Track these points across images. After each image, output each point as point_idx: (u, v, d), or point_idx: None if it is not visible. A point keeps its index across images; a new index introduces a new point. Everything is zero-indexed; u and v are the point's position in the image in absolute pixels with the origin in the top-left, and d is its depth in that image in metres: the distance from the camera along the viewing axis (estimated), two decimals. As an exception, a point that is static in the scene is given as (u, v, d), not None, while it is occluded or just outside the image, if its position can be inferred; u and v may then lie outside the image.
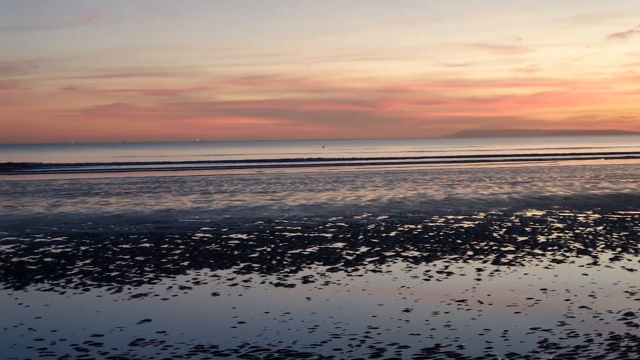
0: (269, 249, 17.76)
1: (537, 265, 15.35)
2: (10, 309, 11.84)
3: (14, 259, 16.71)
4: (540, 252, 16.92)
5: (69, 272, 15.02)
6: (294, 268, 15.23)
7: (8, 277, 14.61)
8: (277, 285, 13.57)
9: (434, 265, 15.46)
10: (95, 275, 14.69)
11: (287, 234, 20.59)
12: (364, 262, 15.83)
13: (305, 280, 13.97)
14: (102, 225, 23.37)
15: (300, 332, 10.22)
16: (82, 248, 18.27)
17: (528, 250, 17.20)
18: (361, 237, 19.77)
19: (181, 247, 18.30)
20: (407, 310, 11.41)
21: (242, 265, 15.67)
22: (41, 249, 18.17)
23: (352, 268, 15.19)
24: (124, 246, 18.52)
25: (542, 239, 18.96)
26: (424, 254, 16.77)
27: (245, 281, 13.94)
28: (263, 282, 13.81)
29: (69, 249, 18.11)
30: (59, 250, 17.92)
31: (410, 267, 15.27)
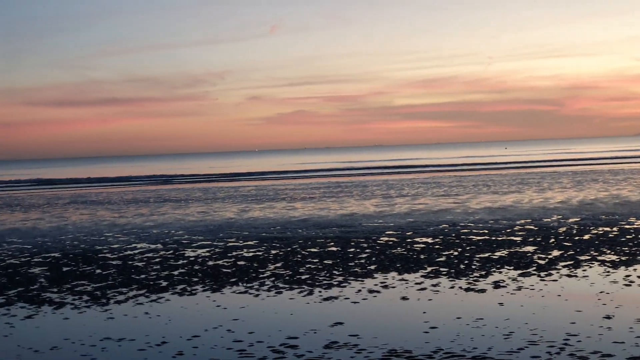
0: (455, 253, 17.47)
1: None
2: (209, 311, 12.34)
3: (210, 263, 17.47)
4: None
5: (261, 275, 15.49)
6: (483, 272, 14.87)
7: (205, 279, 15.27)
8: (467, 290, 13.29)
9: (635, 269, 14.57)
10: (287, 278, 15.05)
11: (474, 237, 20.19)
12: (558, 267, 15.19)
13: (497, 285, 13.60)
14: (290, 229, 23.99)
15: (494, 338, 9.92)
16: (273, 252, 18.81)
17: None
18: (552, 240, 19.02)
19: (367, 250, 18.40)
20: (608, 317, 10.80)
21: (429, 269, 15.51)
22: (234, 253, 18.89)
23: (545, 273, 14.61)
24: (312, 250, 18.88)
25: None
26: (623, 258, 15.86)
27: (434, 285, 13.77)
28: (452, 287, 13.57)
29: (260, 253, 18.71)
30: (250, 254, 18.56)
31: (608, 271, 14.48)
